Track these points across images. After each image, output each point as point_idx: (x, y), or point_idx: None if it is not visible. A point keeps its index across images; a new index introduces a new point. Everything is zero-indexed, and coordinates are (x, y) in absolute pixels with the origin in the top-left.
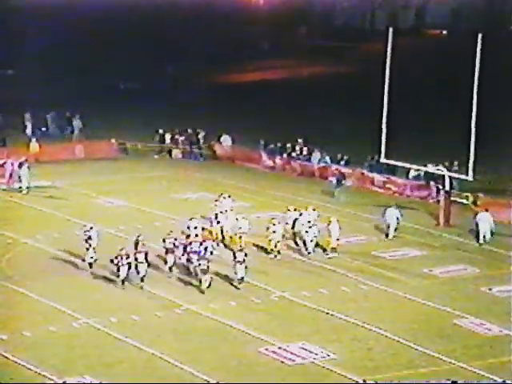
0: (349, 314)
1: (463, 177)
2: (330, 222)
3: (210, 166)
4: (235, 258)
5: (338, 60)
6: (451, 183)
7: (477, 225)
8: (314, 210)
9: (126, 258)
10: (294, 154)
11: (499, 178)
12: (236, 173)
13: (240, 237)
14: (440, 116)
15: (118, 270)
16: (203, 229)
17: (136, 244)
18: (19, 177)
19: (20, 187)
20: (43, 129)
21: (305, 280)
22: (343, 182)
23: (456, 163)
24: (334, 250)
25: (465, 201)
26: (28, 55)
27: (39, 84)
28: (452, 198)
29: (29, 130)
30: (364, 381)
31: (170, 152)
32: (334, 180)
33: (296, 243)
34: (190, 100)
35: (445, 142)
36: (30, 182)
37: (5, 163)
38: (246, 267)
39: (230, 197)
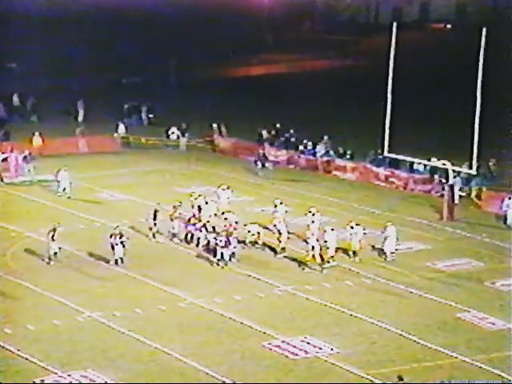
0: (352, 308)
1: (466, 170)
2: (385, 226)
3: (214, 160)
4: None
5: (343, 54)
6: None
7: (505, 210)
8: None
9: (120, 237)
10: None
11: (502, 172)
12: (240, 167)
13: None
14: (443, 110)
15: (113, 248)
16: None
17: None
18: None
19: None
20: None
21: (308, 274)
22: (266, 164)
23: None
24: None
25: (465, 194)
26: (30, 50)
27: (41, 78)
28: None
29: (80, 117)
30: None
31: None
32: (259, 162)
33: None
34: (194, 94)
35: (448, 137)
36: (33, 176)
37: (9, 157)
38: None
39: (228, 188)
